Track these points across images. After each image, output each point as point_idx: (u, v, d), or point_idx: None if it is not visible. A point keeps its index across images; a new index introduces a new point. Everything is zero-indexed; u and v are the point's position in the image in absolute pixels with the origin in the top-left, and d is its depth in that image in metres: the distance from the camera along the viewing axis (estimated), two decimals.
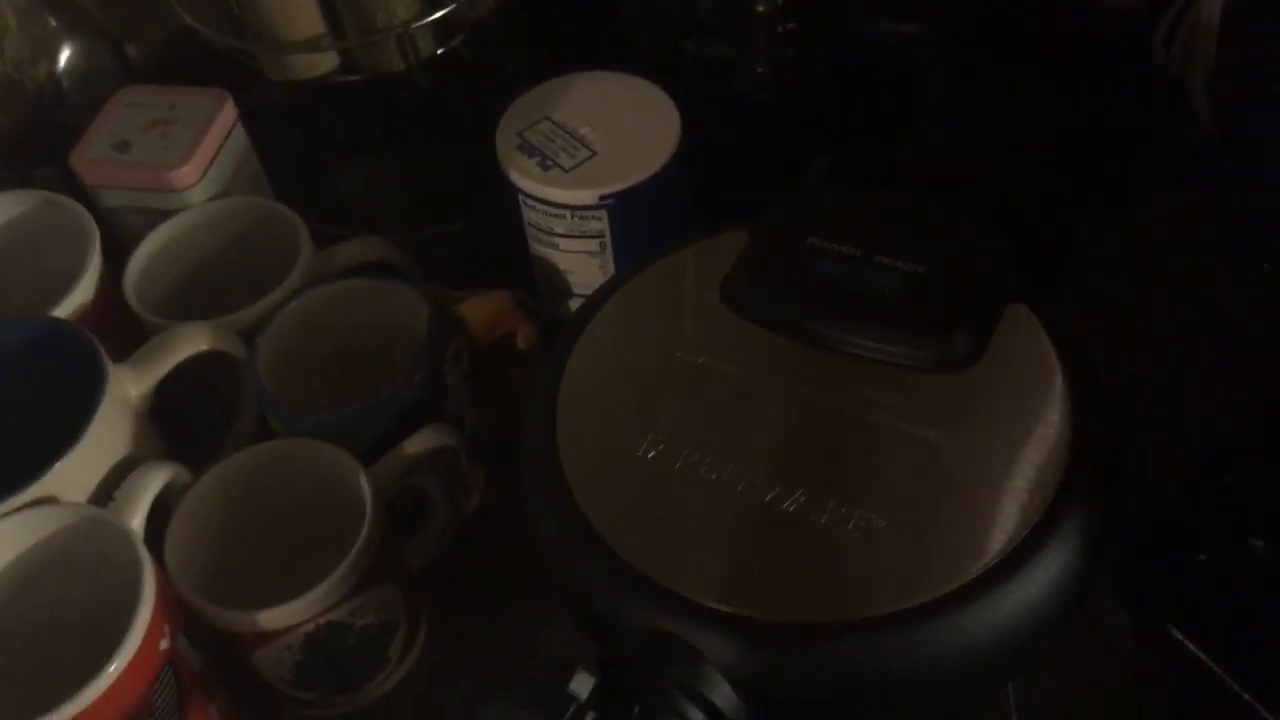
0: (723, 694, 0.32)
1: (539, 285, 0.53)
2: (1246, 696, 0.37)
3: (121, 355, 0.45)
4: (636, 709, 0.31)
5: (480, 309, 0.48)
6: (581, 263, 0.50)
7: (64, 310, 0.47)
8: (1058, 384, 0.36)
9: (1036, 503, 0.33)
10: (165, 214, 0.51)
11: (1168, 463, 0.41)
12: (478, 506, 0.50)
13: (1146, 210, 0.55)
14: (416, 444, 0.44)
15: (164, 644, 0.39)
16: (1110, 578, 0.40)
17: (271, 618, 0.40)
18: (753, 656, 0.32)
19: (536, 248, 0.51)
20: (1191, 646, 0.38)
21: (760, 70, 0.57)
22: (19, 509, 0.40)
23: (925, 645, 0.31)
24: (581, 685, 0.31)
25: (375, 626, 0.43)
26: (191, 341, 0.46)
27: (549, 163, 0.48)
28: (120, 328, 0.48)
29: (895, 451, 0.35)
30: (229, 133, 0.53)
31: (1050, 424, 0.35)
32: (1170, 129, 0.58)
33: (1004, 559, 0.32)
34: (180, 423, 0.49)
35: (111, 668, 0.36)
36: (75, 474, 0.41)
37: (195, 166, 0.51)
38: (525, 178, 0.48)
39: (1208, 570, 0.38)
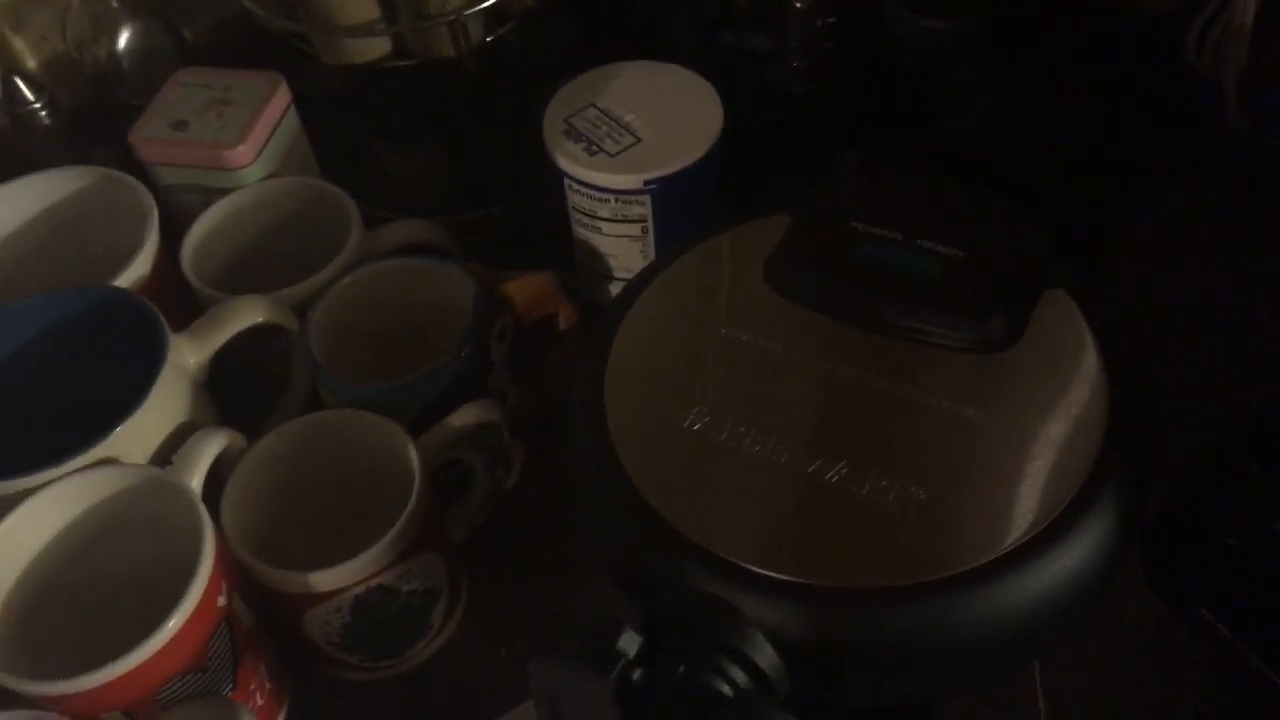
0: (765, 655, 0.33)
1: (580, 269, 0.54)
2: (1274, 678, 0.38)
3: (177, 329, 0.47)
4: (682, 668, 0.33)
5: (525, 288, 0.49)
6: (623, 246, 0.51)
7: (123, 283, 0.49)
8: (1093, 366, 0.37)
9: (1072, 479, 0.34)
10: (220, 192, 0.53)
11: (1197, 448, 0.42)
12: (517, 483, 0.51)
13: (1174, 206, 0.56)
14: (462, 418, 0.46)
15: (221, 600, 0.40)
16: (1140, 560, 0.41)
17: (323, 579, 0.41)
18: (795, 619, 0.33)
19: (579, 231, 0.52)
20: (1220, 628, 0.39)
21: (797, 63, 0.59)
22: (82, 469, 0.41)
23: (961, 613, 0.32)
24: (629, 644, 0.33)
25: (420, 593, 0.45)
26: (248, 313, 0.47)
27: (594, 148, 0.49)
28: (176, 302, 0.50)
29: (935, 428, 0.36)
30: (283, 115, 0.54)
31: (1086, 404, 0.36)
32: (1198, 128, 0.59)
33: (1040, 532, 0.33)
34: (231, 398, 0.50)
35: (172, 621, 0.38)
36: (136, 437, 0.43)
37: (250, 146, 0.52)
38: (571, 162, 0.49)
39: (1236, 555, 0.39)
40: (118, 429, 0.42)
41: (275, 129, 0.54)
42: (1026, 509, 0.34)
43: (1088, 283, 0.39)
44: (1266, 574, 0.39)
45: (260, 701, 0.44)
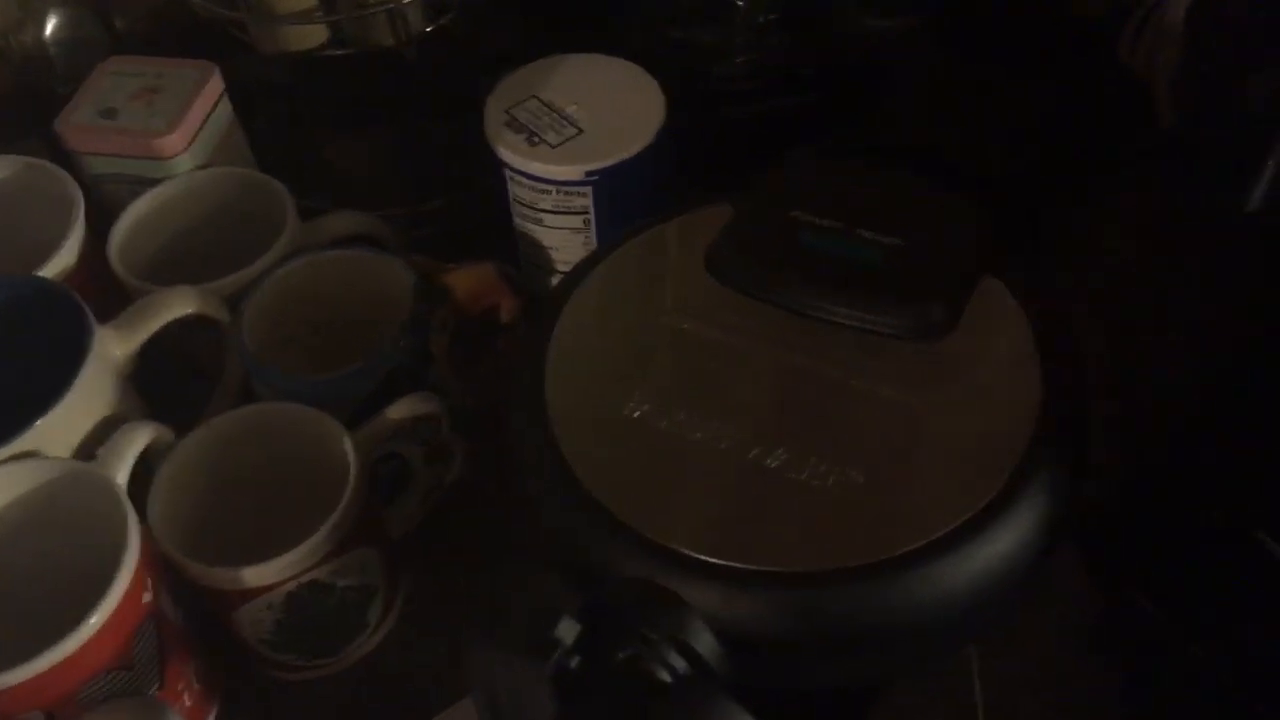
0: (704, 641, 0.32)
1: (523, 262, 0.54)
2: (1211, 662, 0.38)
3: (104, 321, 0.45)
4: (621, 655, 0.32)
5: (466, 279, 0.48)
6: (565, 239, 0.51)
7: (47, 274, 0.47)
8: (1029, 352, 0.37)
9: (1007, 463, 0.34)
10: (150, 183, 0.51)
11: (1134, 439, 0.42)
12: (457, 480, 0.51)
13: (1108, 199, 0.58)
14: (400, 410, 0.45)
15: (146, 597, 0.39)
16: (1077, 547, 0.42)
17: (255, 574, 0.40)
18: (734, 604, 0.33)
19: (521, 224, 0.52)
20: (1157, 613, 0.39)
21: (741, 59, 0.59)
22: (3, 462, 0.40)
23: (899, 596, 0.32)
24: (567, 631, 0.32)
25: (355, 589, 0.44)
26: (177, 304, 0.46)
27: (536, 139, 0.49)
28: (103, 294, 0.48)
29: (873, 413, 0.36)
30: (215, 104, 0.53)
31: (1021, 389, 0.36)
32: (1132, 125, 0.60)
33: (976, 515, 0.33)
34: (161, 394, 0.49)
35: (94, 618, 0.37)
36: (59, 430, 0.42)
37: (182, 135, 0.51)
38: (513, 153, 0.49)
39: (1172, 542, 0.40)
40: (39, 422, 0.41)
41: (208, 118, 0.53)
42: (963, 493, 0.34)
43: (1024, 272, 0.40)
44: (1202, 561, 0.40)
45: (189, 703, 0.43)
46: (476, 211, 0.57)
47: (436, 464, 0.49)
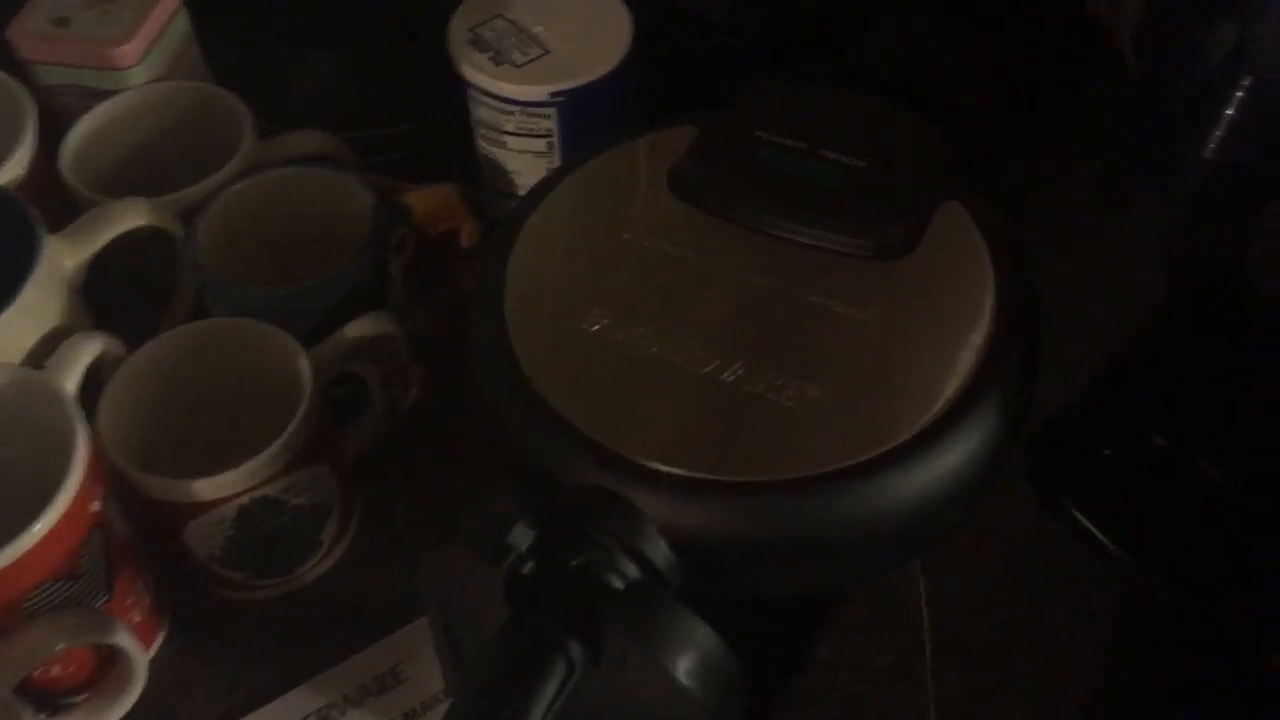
0: (658, 549, 0.33)
1: (485, 187, 0.53)
2: (1151, 579, 0.39)
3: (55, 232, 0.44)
4: (573, 561, 0.32)
5: (426, 200, 0.48)
6: (528, 163, 0.50)
7: None
8: (985, 274, 0.37)
9: (960, 379, 0.35)
10: (103, 95, 0.50)
11: (1084, 362, 0.43)
12: (413, 406, 0.50)
13: (1071, 142, 0.58)
14: (358, 328, 0.44)
15: (94, 506, 0.38)
16: (1024, 470, 0.42)
17: (207, 486, 0.40)
18: (687, 513, 0.33)
19: (484, 147, 0.51)
20: (1096, 531, 0.40)
21: None
22: None
23: (851, 504, 0.33)
24: (521, 538, 0.32)
25: (308, 508, 0.43)
26: (129, 216, 0.45)
27: (501, 58, 0.48)
28: (53, 208, 0.47)
29: (830, 330, 0.36)
30: (172, 16, 0.52)
31: (976, 309, 0.36)
32: (1099, 74, 0.61)
33: (926, 428, 0.34)
34: (111, 316, 0.48)
35: (39, 524, 0.36)
36: (6, 339, 0.41)
37: (137, 46, 0.50)
38: (477, 72, 0.48)
39: (1113, 463, 0.41)
40: None
41: (164, 30, 0.51)
42: (915, 406, 0.34)
43: (982, 197, 0.40)
44: (1142, 484, 0.41)
45: (138, 618, 0.42)
46: (438, 139, 0.56)
47: (393, 388, 0.49)
